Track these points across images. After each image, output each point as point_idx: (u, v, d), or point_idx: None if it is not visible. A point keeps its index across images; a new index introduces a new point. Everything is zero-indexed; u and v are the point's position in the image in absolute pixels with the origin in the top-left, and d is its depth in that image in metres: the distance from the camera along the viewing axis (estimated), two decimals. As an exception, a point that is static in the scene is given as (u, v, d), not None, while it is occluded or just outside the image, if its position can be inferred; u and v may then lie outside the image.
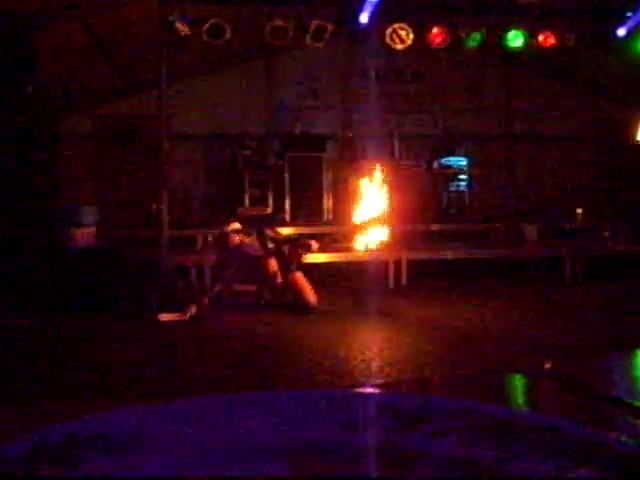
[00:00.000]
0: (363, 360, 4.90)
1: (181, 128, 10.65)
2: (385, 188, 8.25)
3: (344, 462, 0.67)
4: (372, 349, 5.28)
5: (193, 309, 6.36)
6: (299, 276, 6.82)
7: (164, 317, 6.33)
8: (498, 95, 12.28)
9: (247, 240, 7.02)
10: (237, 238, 7.01)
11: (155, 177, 8.20)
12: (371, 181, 7.45)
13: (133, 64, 9.77)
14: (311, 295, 6.72)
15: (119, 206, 10.62)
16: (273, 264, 6.79)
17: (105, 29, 8.49)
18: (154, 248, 7.74)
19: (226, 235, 7.06)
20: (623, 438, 0.69)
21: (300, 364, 4.78)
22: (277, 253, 7.01)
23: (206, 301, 6.59)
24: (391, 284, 8.14)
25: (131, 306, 6.59)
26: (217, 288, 6.86)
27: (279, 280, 6.82)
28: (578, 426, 0.64)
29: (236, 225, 7.17)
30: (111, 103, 11.10)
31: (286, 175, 10.27)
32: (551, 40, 9.31)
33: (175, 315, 6.34)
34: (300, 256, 7.18)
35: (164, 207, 7.87)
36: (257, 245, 6.99)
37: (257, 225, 7.51)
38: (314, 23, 8.65)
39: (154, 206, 8.32)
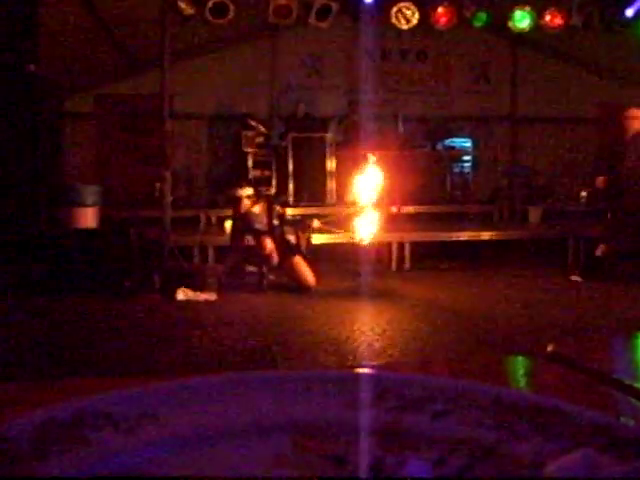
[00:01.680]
0: (365, 341, 4.92)
1: (184, 108, 10.61)
2: (388, 169, 8.23)
3: (345, 442, 0.67)
4: (374, 330, 5.30)
5: (214, 295, 6.40)
6: (297, 258, 6.84)
7: (180, 295, 6.35)
8: (504, 76, 12.21)
9: (255, 210, 7.00)
10: (247, 204, 7.01)
11: (158, 157, 8.19)
12: (374, 162, 7.43)
13: (136, 43, 9.72)
14: (309, 277, 6.74)
15: (122, 186, 10.62)
16: (270, 244, 6.79)
17: (108, 7, 8.44)
18: (157, 228, 7.75)
19: (239, 199, 7.04)
20: (624, 420, 0.69)
21: (302, 345, 4.81)
22: (279, 233, 7.02)
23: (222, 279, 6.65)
24: (394, 266, 8.15)
25: (134, 286, 6.61)
26: (230, 262, 6.89)
27: (275, 261, 6.84)
28: (578, 408, 0.64)
29: (249, 190, 7.16)
30: (114, 83, 11.06)
31: (290, 156, 10.24)
32: (558, 21, 9.22)
33: (193, 294, 6.37)
34: (304, 239, 7.20)
35: (167, 187, 7.86)
36: (262, 218, 6.97)
37: (267, 197, 7.51)
38: (318, 2, 8.58)
39: (157, 186, 8.31)
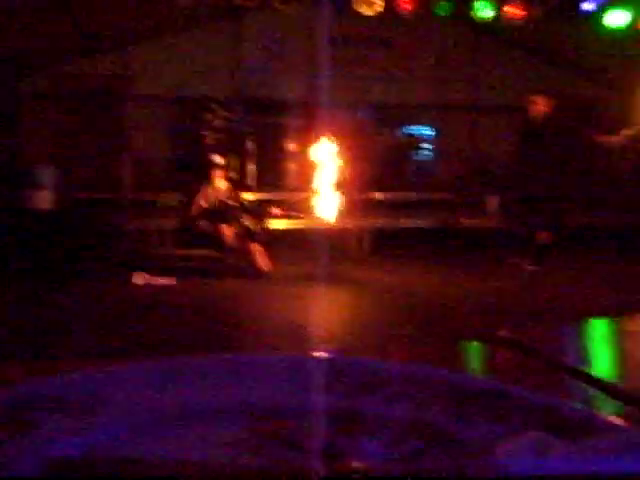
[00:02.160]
0: (322, 326, 4.93)
1: (144, 89, 10.45)
2: (349, 156, 8.24)
3: (299, 426, 0.67)
4: (332, 315, 5.32)
5: (172, 280, 6.36)
6: (253, 244, 6.83)
7: (138, 280, 6.28)
8: (466, 65, 12.28)
9: (221, 185, 7.02)
10: (219, 174, 7.04)
11: (117, 139, 8.07)
12: (335, 148, 7.43)
13: (97, 23, 9.52)
14: (265, 263, 6.73)
15: (80, 168, 10.42)
16: (227, 230, 6.79)
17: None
18: (116, 211, 7.65)
19: (215, 166, 7.05)
20: (573, 404, 0.71)
21: (260, 330, 4.81)
22: (236, 217, 7.00)
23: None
24: (353, 252, 8.18)
25: (91, 269, 6.52)
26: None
27: (233, 245, 6.83)
28: (528, 392, 0.66)
29: (219, 159, 7.18)
30: (73, 62, 10.82)
31: (250, 140, 10.16)
32: (519, 11, 9.33)
33: (151, 278, 6.31)
34: (262, 225, 7.19)
35: (125, 169, 7.76)
36: (224, 196, 6.99)
37: (231, 179, 7.50)
38: (283, -14, 8.53)
39: (115, 168, 8.20)
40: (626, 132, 7.53)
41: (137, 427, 0.65)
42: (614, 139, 7.46)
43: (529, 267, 7.35)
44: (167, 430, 0.66)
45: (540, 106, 7.52)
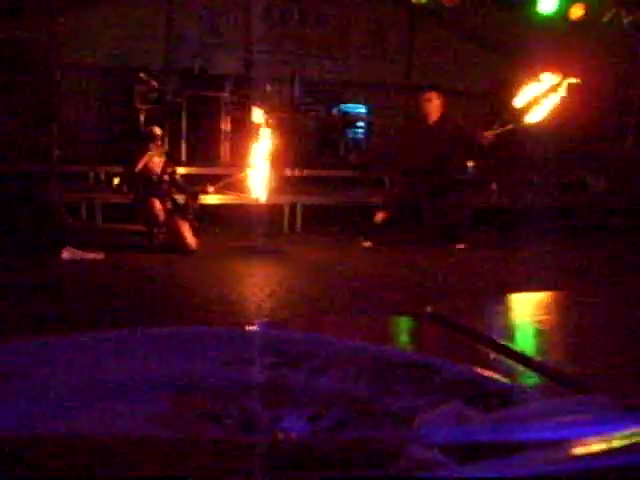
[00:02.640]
0: (254, 302, 4.94)
1: (74, 58, 10.11)
2: (283, 132, 8.21)
3: (223, 399, 0.67)
4: (264, 291, 5.33)
5: (101, 255, 6.24)
6: (181, 220, 6.77)
7: (66, 254, 6.12)
8: (401, 45, 12.36)
9: (155, 159, 6.94)
10: (157, 144, 6.97)
11: (44, 108, 7.80)
12: (268, 124, 7.39)
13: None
14: (190, 240, 6.67)
15: (4, 139, 10.05)
16: (157, 204, 6.70)
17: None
18: (42, 184, 7.41)
19: (155, 137, 6.96)
20: (493, 376, 0.73)
21: (191, 305, 4.77)
22: (166, 191, 6.93)
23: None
24: (285, 228, 8.18)
25: (17, 244, 6.33)
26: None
27: (161, 219, 6.75)
28: (450, 364, 0.67)
29: (157, 131, 7.09)
30: (-3, 26, 10.39)
31: (183, 113, 10.00)
32: (454, -6, 9.46)
33: (79, 253, 6.16)
34: (192, 200, 7.13)
35: (53, 141, 7.52)
36: (157, 170, 6.90)
37: (166, 152, 7.40)
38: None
39: (43, 140, 7.93)
40: (497, 128, 7.81)
41: (55, 403, 0.63)
42: (487, 134, 7.70)
43: (459, 245, 7.53)
44: (86, 405, 0.64)
45: (434, 102, 7.67)
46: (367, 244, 7.44)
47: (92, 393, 0.68)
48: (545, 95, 7.45)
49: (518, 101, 7.52)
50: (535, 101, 7.47)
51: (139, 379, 0.71)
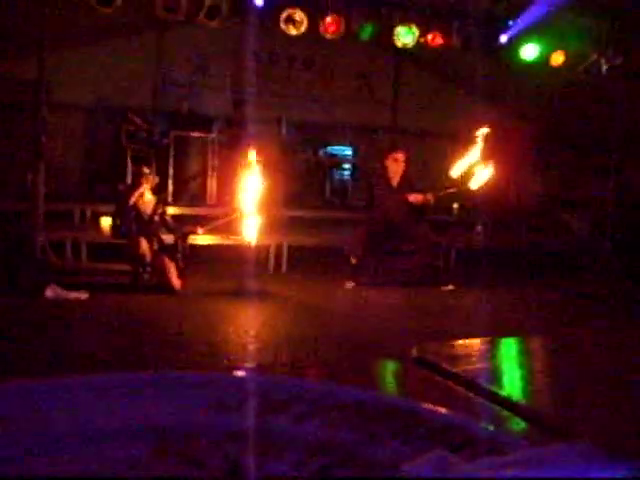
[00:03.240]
0: (239, 343, 4.90)
1: (62, 97, 10.17)
2: (270, 173, 8.26)
3: (206, 445, 0.66)
4: (249, 332, 5.29)
5: (85, 294, 6.19)
6: (167, 259, 6.75)
7: (50, 293, 6.07)
8: (386, 89, 12.53)
9: (146, 199, 6.95)
10: (150, 180, 6.97)
11: (31, 146, 7.81)
12: (255, 165, 7.43)
13: (13, 24, 9.23)
14: (175, 280, 6.65)
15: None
16: (144, 244, 6.69)
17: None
18: (27, 222, 7.38)
19: (144, 175, 6.97)
20: (478, 422, 0.73)
21: (175, 346, 4.72)
22: (155, 230, 6.92)
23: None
24: (271, 269, 8.18)
25: (1, 281, 6.27)
26: None
27: (148, 259, 6.73)
28: (435, 410, 0.67)
29: (147, 171, 7.11)
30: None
31: (171, 154, 10.04)
32: (438, 40, 9.66)
33: (63, 292, 6.11)
34: (180, 240, 7.12)
35: (40, 178, 7.51)
36: (147, 211, 6.91)
37: (159, 195, 7.40)
38: (208, 1, 8.50)
39: (29, 177, 7.91)
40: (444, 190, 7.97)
41: (32, 447, 0.62)
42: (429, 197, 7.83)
43: (446, 287, 7.55)
44: (62, 451, 0.63)
45: (400, 162, 7.84)
46: (350, 285, 7.45)
47: (73, 437, 0.67)
48: (477, 164, 7.64)
49: (454, 171, 7.67)
50: (471, 168, 7.65)
51: (121, 424, 0.70)
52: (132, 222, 6.83)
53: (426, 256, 7.69)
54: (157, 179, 7.44)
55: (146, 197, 6.95)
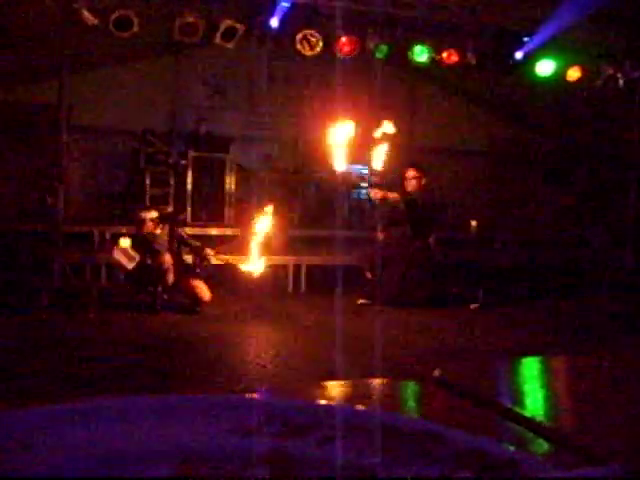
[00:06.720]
0: (258, 364, 4.89)
1: (82, 120, 10.30)
2: (287, 192, 8.29)
3: (230, 469, 0.66)
4: (268, 353, 5.28)
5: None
6: (192, 278, 6.79)
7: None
8: (402, 107, 12.55)
9: (157, 232, 6.98)
10: (150, 226, 6.99)
11: (52, 169, 7.90)
12: (273, 185, 7.47)
13: (34, 49, 9.37)
14: (205, 293, 6.70)
15: (12, 198, 10.15)
16: (168, 260, 6.72)
17: (7, 12, 8.10)
18: (48, 243, 7.45)
19: (143, 222, 6.99)
20: (502, 445, 0.71)
21: (194, 367, 4.72)
22: (176, 253, 6.95)
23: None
24: (290, 288, 8.17)
25: (20, 302, 6.33)
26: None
27: (171, 280, 6.75)
28: (459, 433, 0.66)
29: (153, 213, 7.11)
30: (8, 89, 10.60)
31: (189, 175, 10.11)
32: (454, 58, 9.67)
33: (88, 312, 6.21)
34: (202, 262, 7.16)
35: (59, 201, 7.59)
36: (163, 240, 6.93)
37: (170, 221, 7.42)
38: (225, 23, 8.58)
39: (49, 200, 8.00)
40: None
41: (54, 472, 0.62)
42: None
43: (471, 305, 7.51)
44: (89, 477, 0.63)
45: (410, 180, 7.92)
46: (362, 301, 7.42)
47: (92, 462, 0.67)
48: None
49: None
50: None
51: (140, 448, 0.69)
52: (149, 248, 6.88)
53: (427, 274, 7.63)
54: (169, 208, 7.50)
55: (156, 234, 6.99)
